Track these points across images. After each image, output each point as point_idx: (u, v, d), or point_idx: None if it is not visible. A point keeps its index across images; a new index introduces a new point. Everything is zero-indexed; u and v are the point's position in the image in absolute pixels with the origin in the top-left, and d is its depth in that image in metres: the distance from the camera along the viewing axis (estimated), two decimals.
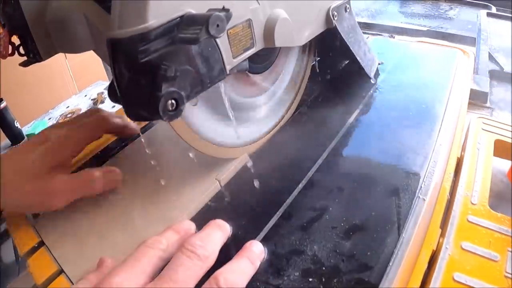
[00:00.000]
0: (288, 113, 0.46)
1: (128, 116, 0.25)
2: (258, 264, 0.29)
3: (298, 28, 0.36)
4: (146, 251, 0.26)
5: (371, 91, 0.50)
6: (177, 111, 0.24)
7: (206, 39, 0.22)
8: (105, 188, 0.36)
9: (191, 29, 0.22)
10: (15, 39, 0.35)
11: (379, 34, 0.77)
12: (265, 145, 0.42)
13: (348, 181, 0.36)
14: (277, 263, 0.29)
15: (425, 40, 0.68)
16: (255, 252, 0.29)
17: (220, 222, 0.31)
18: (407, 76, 0.53)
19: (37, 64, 0.36)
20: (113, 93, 0.26)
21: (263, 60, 0.39)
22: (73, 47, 0.35)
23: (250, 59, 0.32)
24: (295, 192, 0.35)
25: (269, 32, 0.32)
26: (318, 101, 0.50)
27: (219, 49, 0.27)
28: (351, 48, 0.45)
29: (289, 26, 0.33)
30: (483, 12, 0.87)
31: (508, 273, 0.28)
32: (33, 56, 0.35)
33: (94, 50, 0.35)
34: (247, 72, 0.37)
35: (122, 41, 0.22)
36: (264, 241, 0.31)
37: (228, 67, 0.28)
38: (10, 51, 0.35)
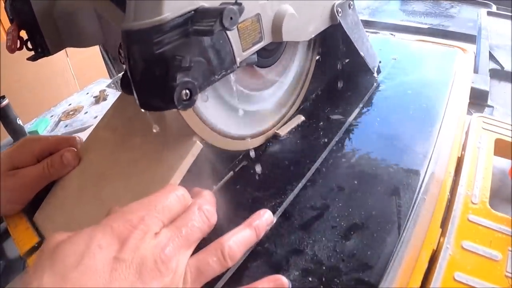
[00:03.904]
0: (291, 109, 0.46)
1: (141, 106, 0.26)
2: (262, 235, 0.30)
3: (304, 23, 0.37)
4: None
5: (371, 90, 0.50)
6: (191, 100, 0.25)
7: (218, 32, 0.23)
8: (66, 169, 0.37)
9: (205, 21, 0.23)
10: (23, 34, 0.35)
11: (378, 32, 0.77)
12: (265, 143, 0.42)
13: (348, 180, 0.36)
14: (277, 262, 0.29)
15: (425, 39, 0.67)
16: (263, 225, 0.30)
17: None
18: (407, 75, 0.53)
19: (38, 62, 0.36)
20: (127, 85, 0.27)
21: (269, 55, 0.39)
22: (82, 42, 0.36)
23: (258, 53, 0.33)
24: (295, 191, 0.35)
25: (277, 26, 0.33)
26: (318, 100, 0.49)
27: (230, 42, 0.28)
28: (355, 44, 0.45)
29: (296, 21, 0.34)
30: (484, 10, 0.87)
31: (509, 272, 0.28)
32: (42, 50, 0.35)
33: (103, 45, 0.36)
34: (254, 66, 0.38)
35: (137, 33, 0.23)
36: (264, 240, 0.30)
37: (238, 60, 0.30)
38: (18, 46, 0.35)
